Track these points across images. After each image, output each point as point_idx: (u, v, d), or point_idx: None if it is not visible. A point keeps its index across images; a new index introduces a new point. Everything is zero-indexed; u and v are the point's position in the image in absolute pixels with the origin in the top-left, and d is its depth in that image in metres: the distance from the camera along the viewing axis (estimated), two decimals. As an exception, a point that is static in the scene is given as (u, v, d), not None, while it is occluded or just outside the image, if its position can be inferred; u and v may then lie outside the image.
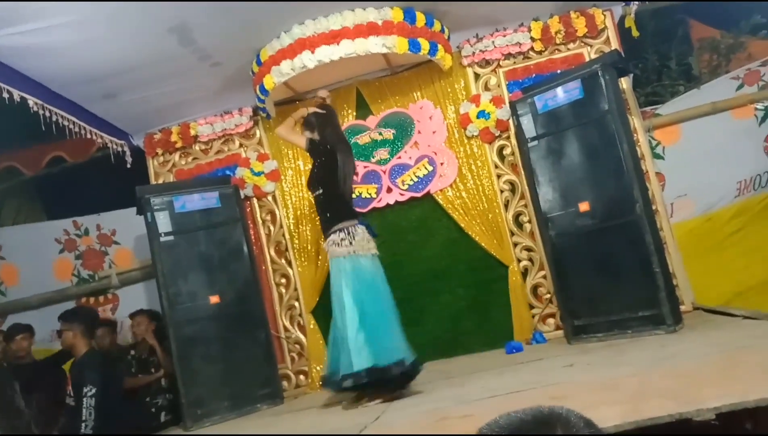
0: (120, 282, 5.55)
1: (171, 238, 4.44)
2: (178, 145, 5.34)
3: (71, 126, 4.61)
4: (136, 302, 5.39)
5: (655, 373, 2.64)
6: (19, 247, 5.49)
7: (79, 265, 5.62)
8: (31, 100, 4.10)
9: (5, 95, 3.87)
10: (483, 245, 4.85)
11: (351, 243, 3.71)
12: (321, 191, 3.87)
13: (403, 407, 3.15)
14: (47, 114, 4.29)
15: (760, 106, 4.99)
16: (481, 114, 4.91)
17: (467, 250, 4.90)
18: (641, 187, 3.96)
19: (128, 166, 5.28)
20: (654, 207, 4.39)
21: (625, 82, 4.68)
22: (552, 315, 4.72)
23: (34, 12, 3.46)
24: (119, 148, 5.28)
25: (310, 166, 4.15)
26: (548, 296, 4.71)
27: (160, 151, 5.37)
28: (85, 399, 3.88)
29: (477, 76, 5.04)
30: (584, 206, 4.09)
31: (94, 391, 3.89)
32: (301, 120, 4.14)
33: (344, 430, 2.78)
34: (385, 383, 3.49)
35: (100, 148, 5.35)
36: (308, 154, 4.15)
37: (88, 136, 4.85)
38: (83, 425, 3.86)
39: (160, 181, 5.33)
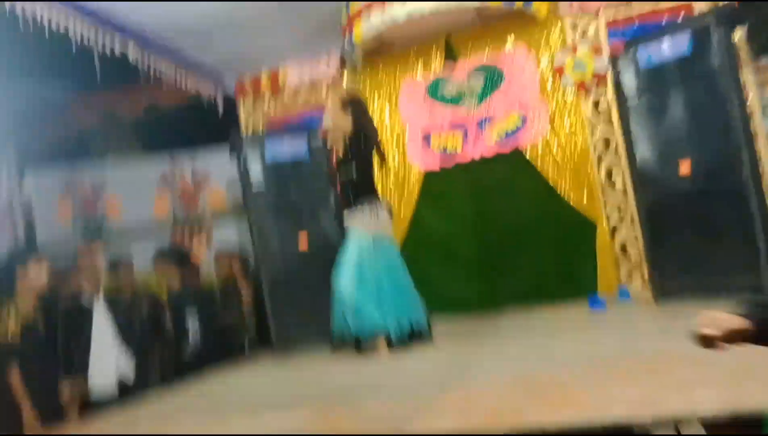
0: (213, 221, 5.84)
1: (262, 188, 4.57)
2: (268, 91, 5.43)
3: (168, 73, 4.79)
4: (227, 240, 5.65)
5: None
6: (121, 182, 5.87)
7: (175, 201, 5.95)
8: (131, 51, 4.28)
9: (107, 47, 4.06)
10: (571, 202, 4.73)
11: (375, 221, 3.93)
12: (361, 165, 3.98)
13: (487, 366, 3.18)
14: (146, 62, 4.47)
15: None
16: (578, 65, 4.70)
17: (555, 206, 4.80)
18: (750, 151, 3.71)
19: (220, 112, 5.43)
20: (761, 169, 4.12)
21: (737, 33, 4.31)
22: (639, 273, 4.59)
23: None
24: (212, 95, 5.43)
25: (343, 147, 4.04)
26: (637, 254, 4.57)
27: (250, 97, 5.48)
28: (190, 326, 4.30)
29: (575, 25, 4.79)
30: (684, 168, 3.88)
31: (196, 319, 4.29)
32: (343, 103, 4.10)
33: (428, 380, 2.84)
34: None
35: (193, 96, 5.50)
36: (349, 136, 4.01)
37: (182, 83, 5.03)
38: (189, 349, 4.33)
39: (250, 128, 5.47)
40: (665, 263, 4.07)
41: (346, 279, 3.81)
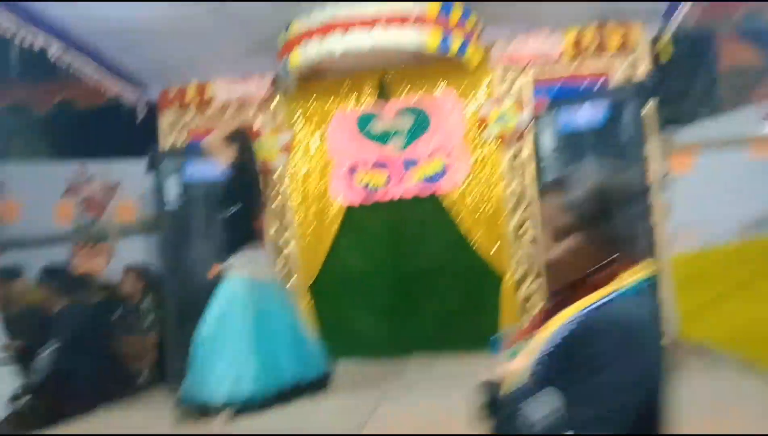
0: (119, 233, 5.55)
1: (177, 203, 4.42)
2: (193, 104, 5.27)
3: (88, 73, 4.56)
4: (131, 256, 5.40)
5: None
6: (23, 185, 5.46)
7: (80, 210, 5.61)
8: (54, 46, 4.05)
9: (28, 41, 3.81)
10: (482, 250, 4.88)
11: (256, 266, 3.74)
12: (240, 207, 3.76)
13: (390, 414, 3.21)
14: (67, 60, 4.24)
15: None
16: (501, 117, 4.87)
17: (466, 254, 4.92)
18: (648, 220, 3.98)
19: (140, 119, 5.22)
20: (656, 237, 4.42)
21: (648, 106, 4.64)
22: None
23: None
24: (133, 101, 5.21)
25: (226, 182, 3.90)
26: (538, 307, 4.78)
27: (174, 108, 5.30)
28: (43, 354, 3.84)
29: (503, 77, 4.97)
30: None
31: (56, 347, 3.85)
32: (227, 136, 3.98)
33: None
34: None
35: (114, 97, 5.24)
36: (231, 169, 3.87)
37: (104, 84, 4.80)
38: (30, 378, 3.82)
39: (170, 139, 5.28)
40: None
41: (206, 333, 3.52)
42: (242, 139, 3.94)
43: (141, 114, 5.25)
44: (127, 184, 5.67)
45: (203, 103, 5.26)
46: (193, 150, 4.81)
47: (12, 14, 3.63)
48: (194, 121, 5.32)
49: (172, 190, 4.40)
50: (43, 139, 5.93)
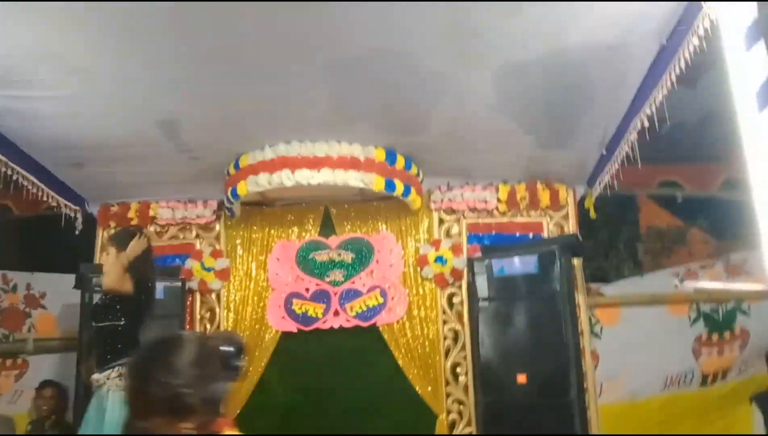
0: (35, 349, 5.22)
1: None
2: (134, 222, 5.22)
3: (29, 185, 4.50)
4: (46, 373, 5.08)
5: None
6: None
7: (-1, 321, 5.30)
8: (-4, 157, 4.02)
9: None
10: (417, 388, 4.83)
11: None
12: (123, 323, 3.50)
13: None
14: (8, 171, 4.20)
15: (693, 307, 5.31)
16: (439, 259, 5.04)
17: (401, 390, 4.86)
18: (578, 372, 4.11)
19: (77, 232, 5.12)
20: (585, 385, 4.52)
21: (576, 259, 4.92)
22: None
23: (32, 81, 3.43)
24: (72, 213, 5.14)
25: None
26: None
27: (113, 224, 5.24)
28: None
29: (441, 221, 5.21)
30: (522, 378, 4.18)
31: None
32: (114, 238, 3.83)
33: None
34: None
35: (51, 208, 5.16)
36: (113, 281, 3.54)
37: (43, 197, 4.74)
38: None
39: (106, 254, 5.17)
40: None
41: None
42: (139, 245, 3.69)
43: (78, 227, 5.15)
44: (53, 296, 5.43)
45: (144, 222, 5.23)
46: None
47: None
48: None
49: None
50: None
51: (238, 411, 4.80)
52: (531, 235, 5.09)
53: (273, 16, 3.01)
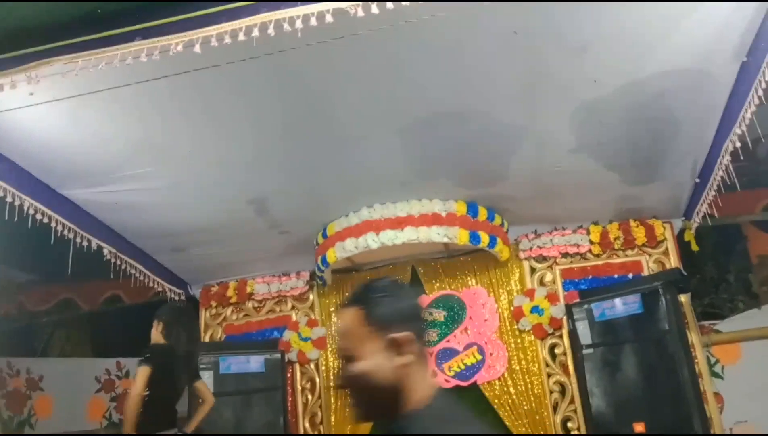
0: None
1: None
2: (233, 300, 5.45)
3: (136, 272, 4.81)
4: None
5: None
6: (59, 380, 5.50)
7: (112, 407, 5.56)
8: (107, 249, 4.33)
9: (84, 242, 4.11)
10: (528, 447, 4.62)
11: None
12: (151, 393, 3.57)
13: None
14: (118, 262, 4.51)
15: (825, 338, 4.82)
16: (535, 309, 4.89)
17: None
18: (701, 416, 3.79)
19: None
20: (712, 432, 4.15)
21: (683, 297, 4.63)
22: None
23: (133, 175, 3.74)
24: (176, 296, 5.43)
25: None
26: None
27: (214, 303, 5.48)
28: None
29: (533, 270, 5.08)
30: (639, 427, 3.90)
31: None
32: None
33: None
34: None
35: (157, 293, 5.47)
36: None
37: (150, 283, 5.05)
38: None
39: (209, 332, 5.40)
40: None
41: None
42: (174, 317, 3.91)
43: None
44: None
45: (242, 299, 5.43)
46: (229, 345, 4.89)
47: (70, 218, 3.95)
48: (233, 316, 5.46)
49: (209, 385, 4.37)
50: (86, 334, 6.09)
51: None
52: (630, 275, 4.85)
53: (347, 80, 3.14)
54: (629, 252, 4.95)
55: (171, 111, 3.24)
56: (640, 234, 4.90)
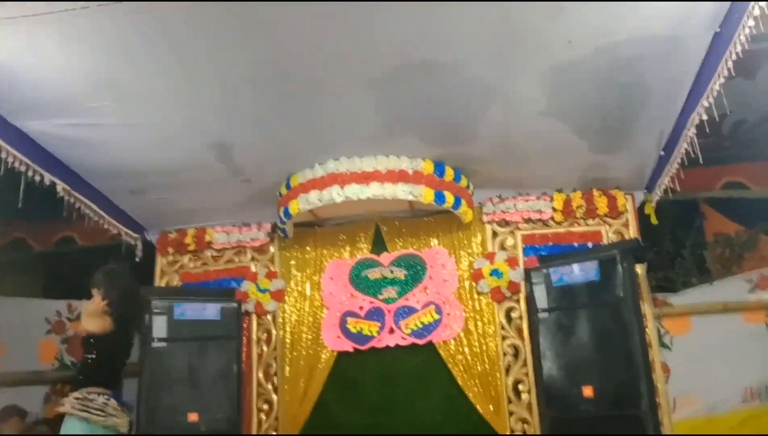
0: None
1: (164, 344, 4.33)
2: (191, 248, 5.34)
3: (91, 213, 4.67)
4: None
5: None
6: (10, 320, 5.36)
7: (63, 349, 5.46)
8: (60, 186, 4.18)
9: (36, 177, 3.95)
10: (478, 407, 4.68)
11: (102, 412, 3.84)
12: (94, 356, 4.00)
13: None
14: (72, 200, 4.36)
15: (772, 313, 4.99)
16: (495, 272, 4.92)
17: (462, 410, 4.72)
18: (648, 382, 3.89)
19: (137, 259, 5.28)
20: (657, 400, 4.28)
21: (639, 268, 4.71)
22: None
23: (91, 109, 3.58)
24: (132, 241, 5.31)
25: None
26: (538, 473, 4.48)
27: (171, 250, 5.37)
28: None
29: (495, 234, 5.10)
30: (588, 391, 3.99)
31: None
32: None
33: None
34: None
35: (113, 237, 5.33)
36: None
37: (106, 225, 4.91)
38: None
39: (165, 279, 5.30)
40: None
41: None
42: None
43: (139, 255, 5.31)
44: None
45: (201, 247, 5.34)
46: (185, 291, 4.82)
47: (22, 150, 3.79)
48: (190, 263, 5.37)
49: (159, 330, 4.31)
50: (38, 275, 5.93)
51: (298, 432, 4.79)
52: (590, 244, 4.91)
53: (317, 30, 3.06)
54: (590, 221, 4.99)
55: (135, 46, 3.09)
56: (602, 204, 4.95)
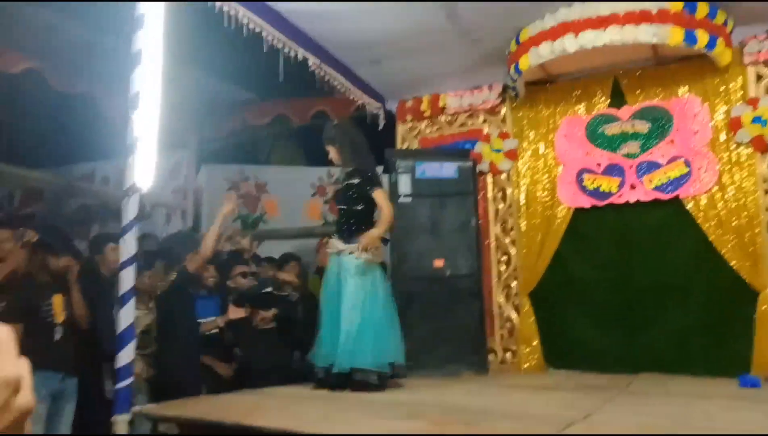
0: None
1: (409, 199, 4.75)
2: (427, 114, 5.61)
3: (339, 85, 5.13)
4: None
5: None
6: (281, 185, 6.33)
7: (326, 209, 6.31)
8: (311, 60, 4.63)
9: (292, 54, 4.43)
10: (733, 264, 4.37)
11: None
12: (362, 208, 3.86)
13: (615, 414, 3.04)
14: (322, 73, 4.83)
15: None
16: (757, 119, 4.36)
17: (712, 267, 4.45)
18: None
19: (380, 128, 5.72)
20: None
21: None
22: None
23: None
24: (375, 111, 5.73)
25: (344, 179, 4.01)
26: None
27: (409, 117, 5.71)
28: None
29: (759, 77, 4.47)
30: None
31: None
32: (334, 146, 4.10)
33: (548, 418, 2.78)
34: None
35: (359, 108, 5.81)
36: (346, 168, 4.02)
37: (351, 96, 5.37)
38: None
39: (406, 145, 5.69)
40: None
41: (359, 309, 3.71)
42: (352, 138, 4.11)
43: (382, 123, 5.74)
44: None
45: (436, 113, 5.58)
46: (424, 152, 5.16)
47: (278, 28, 4.25)
48: (427, 129, 5.67)
49: (405, 186, 4.73)
50: (300, 145, 6.80)
51: (534, 286, 4.98)
52: None
53: None
54: None
55: None
56: None
